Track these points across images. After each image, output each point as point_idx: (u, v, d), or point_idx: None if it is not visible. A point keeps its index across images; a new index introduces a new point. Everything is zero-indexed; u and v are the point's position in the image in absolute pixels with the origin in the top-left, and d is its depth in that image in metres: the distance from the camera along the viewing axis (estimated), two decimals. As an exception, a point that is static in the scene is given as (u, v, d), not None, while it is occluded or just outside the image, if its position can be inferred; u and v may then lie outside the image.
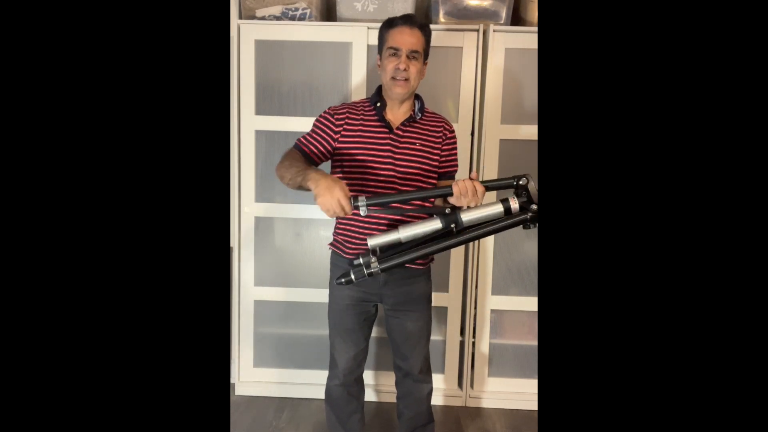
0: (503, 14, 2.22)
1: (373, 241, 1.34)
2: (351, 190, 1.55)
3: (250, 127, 2.27)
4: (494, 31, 2.17)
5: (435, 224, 1.29)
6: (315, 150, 1.57)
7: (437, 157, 1.60)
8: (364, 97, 2.15)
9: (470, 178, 1.33)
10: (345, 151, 1.57)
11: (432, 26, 2.19)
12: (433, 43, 2.17)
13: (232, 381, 2.44)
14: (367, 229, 1.54)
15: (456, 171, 1.67)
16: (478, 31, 2.18)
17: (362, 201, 1.30)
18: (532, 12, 2.23)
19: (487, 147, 2.25)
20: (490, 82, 2.21)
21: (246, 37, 2.21)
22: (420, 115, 1.60)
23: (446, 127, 1.63)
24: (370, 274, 1.31)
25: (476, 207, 1.30)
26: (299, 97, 2.25)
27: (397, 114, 1.59)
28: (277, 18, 2.23)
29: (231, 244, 2.35)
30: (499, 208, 1.27)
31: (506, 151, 2.27)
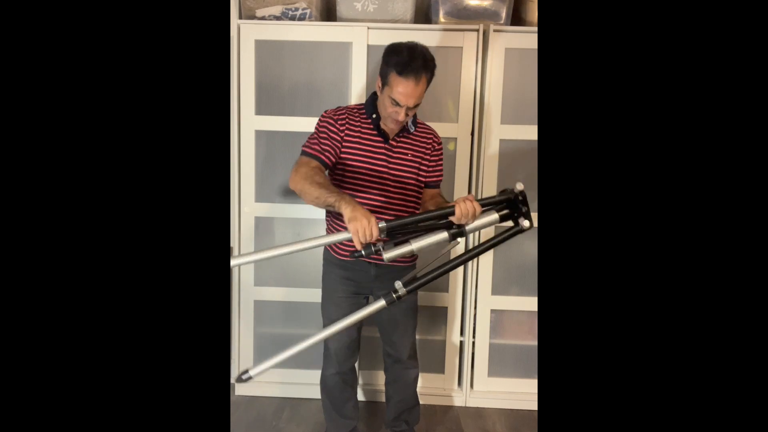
0: (503, 14, 2.22)
1: (388, 255, 1.37)
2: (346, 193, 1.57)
3: (250, 127, 2.27)
4: (494, 31, 2.17)
5: (442, 235, 1.40)
6: (331, 157, 1.58)
7: (425, 167, 1.70)
8: (364, 96, 2.16)
9: (468, 199, 1.39)
10: (345, 157, 1.62)
11: (432, 26, 2.22)
12: (433, 43, 2.19)
13: (232, 381, 2.44)
14: None
15: (441, 180, 1.77)
16: (478, 31, 2.18)
17: (382, 224, 1.34)
18: (532, 12, 2.23)
19: (487, 147, 2.25)
20: (490, 82, 2.21)
21: (246, 37, 2.21)
22: (413, 128, 1.68)
23: (435, 139, 1.73)
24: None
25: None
26: (299, 97, 2.25)
27: (392, 126, 1.64)
28: (277, 18, 2.22)
29: (231, 244, 2.35)
30: (495, 216, 1.44)
31: (506, 151, 2.27)
